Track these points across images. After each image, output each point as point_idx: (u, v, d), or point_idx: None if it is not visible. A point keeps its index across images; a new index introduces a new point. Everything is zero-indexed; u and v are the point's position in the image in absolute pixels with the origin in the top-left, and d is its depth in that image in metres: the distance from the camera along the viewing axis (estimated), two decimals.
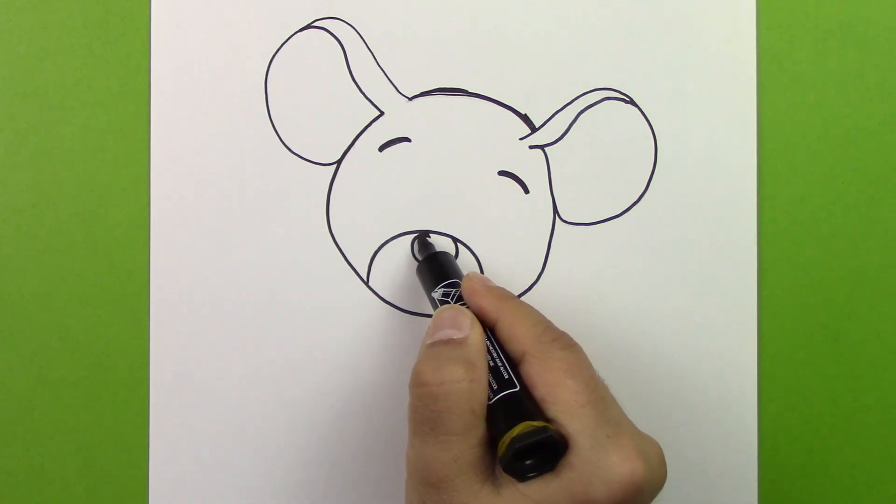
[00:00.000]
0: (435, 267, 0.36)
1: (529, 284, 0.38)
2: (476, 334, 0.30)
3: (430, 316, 0.38)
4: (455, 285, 0.34)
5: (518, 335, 0.30)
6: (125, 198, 0.38)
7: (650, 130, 0.39)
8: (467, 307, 0.32)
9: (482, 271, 0.38)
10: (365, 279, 0.38)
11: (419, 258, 0.37)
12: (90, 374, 0.38)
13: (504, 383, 0.29)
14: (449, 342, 0.30)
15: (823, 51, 0.39)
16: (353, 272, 0.38)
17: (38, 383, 0.38)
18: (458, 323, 0.31)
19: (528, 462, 0.27)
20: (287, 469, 0.38)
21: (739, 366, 0.38)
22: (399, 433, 0.38)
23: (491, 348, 0.30)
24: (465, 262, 0.38)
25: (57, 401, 0.38)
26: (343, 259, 0.38)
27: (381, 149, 0.38)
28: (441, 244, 0.38)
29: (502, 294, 0.33)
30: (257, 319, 0.38)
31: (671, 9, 0.39)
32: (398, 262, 0.38)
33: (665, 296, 0.38)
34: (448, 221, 0.38)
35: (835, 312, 0.39)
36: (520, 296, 0.38)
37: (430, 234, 0.38)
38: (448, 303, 0.33)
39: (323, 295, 0.38)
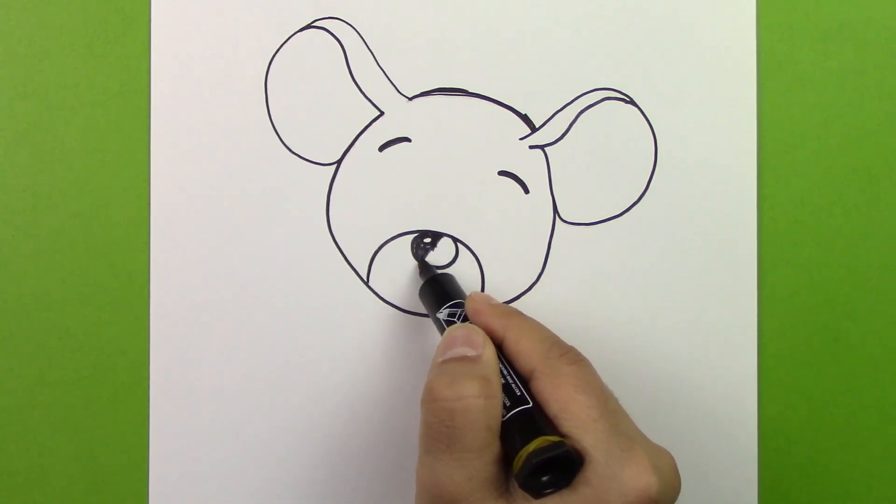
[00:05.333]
0: (437, 289, 0.36)
1: (529, 284, 0.38)
2: (489, 352, 0.30)
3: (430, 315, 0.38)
4: (459, 305, 0.34)
5: (525, 352, 0.30)
6: (125, 198, 0.38)
7: (650, 130, 0.39)
8: None
9: (482, 271, 0.38)
10: (365, 279, 0.38)
11: (420, 279, 0.37)
12: (90, 374, 0.38)
13: (516, 400, 0.29)
14: (463, 359, 0.30)
15: (823, 51, 0.39)
16: (353, 272, 0.38)
17: (38, 383, 0.38)
18: (471, 341, 0.31)
19: (544, 478, 0.27)
20: (287, 469, 0.38)
21: (739, 366, 0.38)
22: (399, 433, 0.38)
23: (501, 366, 0.30)
24: (465, 262, 0.38)
25: (57, 401, 0.38)
26: (343, 259, 0.38)
27: (381, 149, 0.38)
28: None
29: (506, 311, 0.33)
30: (257, 319, 0.38)
31: (671, 9, 0.39)
32: (398, 262, 0.38)
33: (665, 296, 0.38)
34: (448, 221, 0.38)
35: (835, 312, 0.39)
36: (520, 296, 0.38)
37: (429, 235, 0.38)
38: (455, 323, 0.33)
39: (323, 295, 0.38)
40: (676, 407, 0.38)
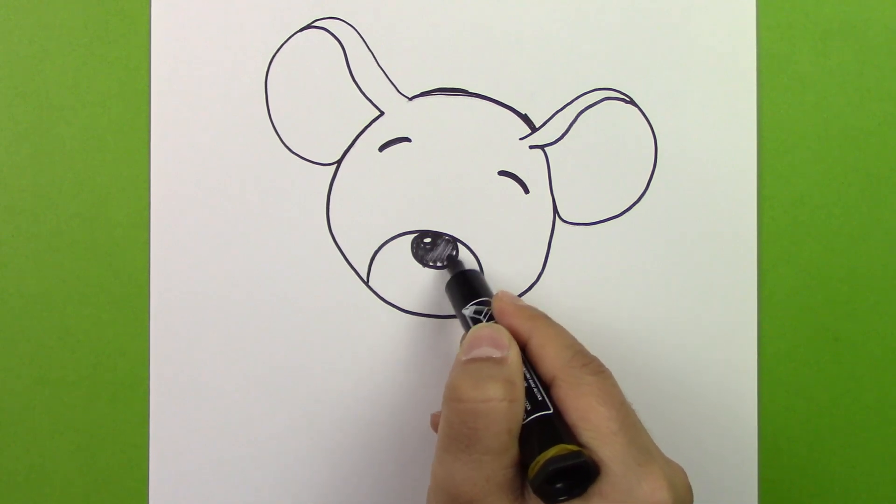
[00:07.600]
0: (465, 285, 0.36)
1: (529, 284, 0.38)
2: (514, 354, 0.30)
3: (431, 316, 0.38)
4: (486, 303, 0.34)
5: (548, 358, 0.30)
6: (125, 198, 0.38)
7: (650, 130, 0.39)
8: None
9: (482, 271, 0.38)
10: (365, 279, 0.38)
11: (448, 274, 0.37)
12: (90, 374, 0.38)
13: (538, 405, 0.29)
14: (488, 360, 0.30)
15: (823, 51, 0.39)
16: (353, 272, 0.38)
17: (38, 383, 0.38)
18: (496, 342, 0.30)
19: (558, 485, 0.27)
20: (286, 469, 0.38)
21: (739, 366, 0.38)
22: (399, 432, 0.38)
23: (524, 369, 0.30)
24: (464, 262, 0.38)
25: (57, 401, 0.38)
26: (343, 259, 0.38)
27: (381, 149, 0.38)
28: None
29: (533, 313, 0.32)
30: (257, 319, 0.38)
31: (671, 9, 0.39)
32: (398, 262, 0.38)
33: (665, 296, 0.38)
34: (448, 221, 0.38)
35: (835, 312, 0.39)
36: (520, 296, 0.38)
37: (429, 235, 0.38)
38: (481, 321, 0.33)
39: (323, 295, 0.38)
40: (676, 406, 0.38)
